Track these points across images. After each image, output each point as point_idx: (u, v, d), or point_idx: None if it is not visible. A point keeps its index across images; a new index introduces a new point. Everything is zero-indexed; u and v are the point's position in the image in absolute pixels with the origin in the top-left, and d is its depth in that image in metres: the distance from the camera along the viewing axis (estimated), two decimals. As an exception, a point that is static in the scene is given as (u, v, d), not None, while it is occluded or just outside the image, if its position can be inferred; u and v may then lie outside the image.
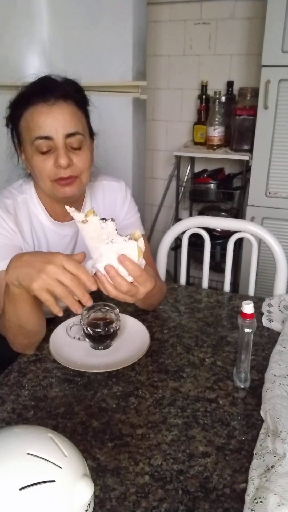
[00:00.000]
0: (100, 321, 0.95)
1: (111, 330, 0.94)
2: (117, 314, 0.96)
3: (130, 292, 0.83)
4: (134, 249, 0.80)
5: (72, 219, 1.10)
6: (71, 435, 0.75)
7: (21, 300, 0.85)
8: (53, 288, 0.77)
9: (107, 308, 0.98)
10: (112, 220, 0.79)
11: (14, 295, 0.84)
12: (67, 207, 0.81)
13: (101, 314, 0.98)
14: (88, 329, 0.94)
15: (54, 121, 0.92)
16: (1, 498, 0.50)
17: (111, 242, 0.80)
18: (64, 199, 1.01)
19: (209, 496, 0.65)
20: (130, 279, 0.82)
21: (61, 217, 1.09)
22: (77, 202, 1.09)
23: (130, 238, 0.80)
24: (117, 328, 0.95)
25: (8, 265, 0.81)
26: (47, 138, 0.93)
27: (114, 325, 0.95)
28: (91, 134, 1.04)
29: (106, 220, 0.79)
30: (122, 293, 0.83)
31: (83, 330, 0.95)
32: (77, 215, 0.80)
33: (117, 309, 0.97)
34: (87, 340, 0.96)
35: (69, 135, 0.94)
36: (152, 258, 1.24)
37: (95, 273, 0.84)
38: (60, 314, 0.80)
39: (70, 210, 0.81)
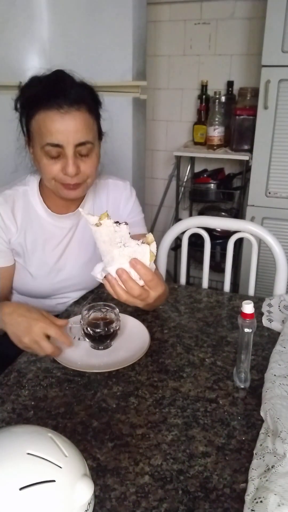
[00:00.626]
0: (100, 321, 0.95)
1: (111, 330, 0.94)
2: (117, 314, 0.96)
3: (141, 296, 0.83)
4: (146, 253, 0.80)
5: (71, 211, 1.11)
6: (71, 435, 0.75)
7: None
8: (33, 349, 0.91)
9: (107, 308, 0.98)
10: (126, 223, 0.79)
11: None
12: (80, 209, 0.84)
13: (101, 314, 0.98)
14: (88, 329, 0.94)
15: (65, 130, 0.93)
16: (1, 498, 0.50)
17: (123, 246, 0.79)
18: (67, 199, 1.04)
19: (209, 496, 0.65)
20: (141, 283, 0.82)
21: (60, 210, 1.10)
22: (78, 200, 1.10)
23: (143, 242, 0.80)
24: (117, 328, 0.95)
25: (0, 315, 0.92)
26: (57, 145, 0.94)
27: (114, 325, 0.95)
28: (100, 135, 1.04)
29: (119, 223, 0.79)
30: (132, 297, 0.83)
31: (83, 330, 0.95)
32: (91, 218, 0.79)
33: (117, 309, 0.97)
34: (87, 340, 0.96)
35: (79, 144, 0.95)
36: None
37: (105, 276, 0.84)
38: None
39: (84, 213, 0.81)
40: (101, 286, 1.25)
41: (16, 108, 1.00)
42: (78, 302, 1.19)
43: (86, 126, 0.96)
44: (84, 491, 0.54)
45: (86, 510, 0.56)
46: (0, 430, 0.60)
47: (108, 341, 0.96)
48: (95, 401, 0.83)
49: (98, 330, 0.93)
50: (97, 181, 1.14)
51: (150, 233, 0.83)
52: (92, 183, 1.04)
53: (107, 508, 0.63)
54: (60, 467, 0.54)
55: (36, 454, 0.54)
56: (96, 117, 1.01)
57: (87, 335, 0.95)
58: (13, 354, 0.97)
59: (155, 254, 0.82)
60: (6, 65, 1.96)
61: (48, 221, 1.09)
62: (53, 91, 0.94)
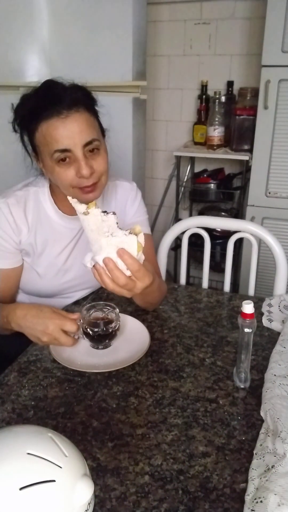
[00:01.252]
0: (100, 321, 0.95)
1: (110, 330, 0.94)
2: (117, 314, 0.96)
3: (127, 286, 0.83)
4: (134, 243, 0.80)
5: None
6: (71, 435, 0.75)
7: (7, 330, 1.01)
8: (53, 344, 0.96)
9: (108, 308, 0.98)
10: (114, 213, 0.79)
11: (5, 326, 0.99)
12: (69, 197, 0.84)
13: (102, 314, 0.98)
14: (88, 328, 0.94)
15: (70, 133, 0.94)
16: (1, 498, 0.50)
17: (111, 235, 0.80)
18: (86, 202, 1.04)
19: (209, 496, 0.65)
20: (128, 273, 0.82)
21: (71, 211, 1.11)
22: (88, 201, 1.11)
23: (130, 233, 0.80)
24: (116, 328, 0.95)
25: (14, 319, 0.97)
26: (66, 150, 0.95)
27: (113, 325, 0.95)
28: (103, 131, 1.05)
29: (107, 213, 0.79)
30: (119, 287, 0.83)
31: (82, 329, 0.95)
32: (79, 207, 0.80)
33: (117, 309, 0.97)
34: (86, 339, 0.96)
35: (87, 144, 0.96)
36: (155, 257, 1.25)
37: (94, 266, 0.84)
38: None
39: (73, 201, 0.82)
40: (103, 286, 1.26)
41: (15, 130, 1.02)
42: (78, 302, 1.19)
43: (89, 125, 0.97)
44: (84, 491, 0.54)
45: (86, 510, 0.56)
46: (0, 430, 0.60)
47: (107, 341, 0.96)
48: (95, 401, 0.83)
49: (97, 330, 0.93)
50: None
51: (138, 225, 0.83)
52: (107, 181, 1.05)
53: (107, 508, 0.63)
54: (60, 467, 0.54)
55: (36, 454, 0.54)
56: (95, 114, 1.02)
57: (86, 334, 0.95)
58: (13, 354, 0.97)
59: (143, 245, 0.82)
60: (6, 65, 1.96)
61: (58, 222, 1.10)
62: (48, 99, 0.95)
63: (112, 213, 0.79)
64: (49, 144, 0.95)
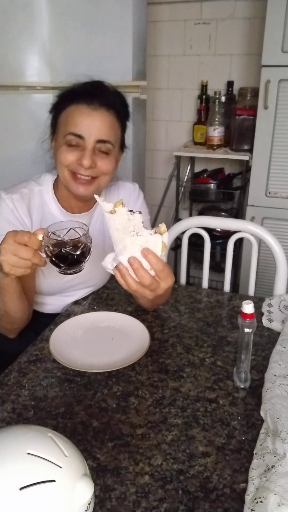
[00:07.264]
0: (66, 239, 0.86)
1: (79, 248, 0.86)
2: (86, 231, 0.88)
3: (151, 286, 0.82)
4: (159, 243, 0.80)
5: (84, 211, 1.13)
6: (71, 435, 0.75)
7: (9, 289, 0.94)
8: (17, 264, 0.84)
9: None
10: (140, 212, 0.79)
11: (3, 284, 0.93)
12: (96, 196, 0.83)
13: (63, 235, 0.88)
14: (53, 247, 0.84)
15: (90, 124, 0.98)
16: (1, 498, 0.50)
17: (136, 235, 0.79)
18: (76, 196, 1.06)
19: (209, 496, 0.65)
20: (152, 273, 0.82)
21: (74, 209, 1.12)
22: (91, 200, 1.11)
23: (155, 232, 0.80)
24: (84, 247, 0.87)
25: None
26: (79, 136, 0.99)
27: (81, 244, 0.87)
28: (122, 146, 1.10)
29: (133, 212, 0.79)
30: (142, 287, 0.83)
31: (48, 252, 0.85)
32: (106, 205, 0.80)
33: (86, 226, 0.89)
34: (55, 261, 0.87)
35: (100, 141, 1.00)
36: None
37: (116, 266, 0.84)
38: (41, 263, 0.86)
39: (99, 199, 0.81)
40: (103, 286, 1.26)
41: (50, 111, 1.07)
42: (77, 302, 1.19)
43: (111, 127, 1.01)
44: (84, 491, 0.54)
45: (86, 510, 0.56)
46: (0, 430, 0.60)
47: (80, 264, 0.88)
48: (95, 401, 0.83)
49: (67, 249, 0.84)
50: (109, 185, 1.17)
51: (163, 223, 0.82)
52: (104, 185, 1.07)
53: (107, 508, 0.63)
54: (60, 467, 0.54)
55: (36, 454, 0.54)
56: (122, 126, 1.07)
57: (54, 256, 0.85)
58: (13, 354, 0.97)
59: (167, 245, 0.82)
60: (6, 65, 1.96)
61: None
62: (88, 90, 1.01)
63: (138, 212, 0.79)
64: (68, 125, 0.99)
